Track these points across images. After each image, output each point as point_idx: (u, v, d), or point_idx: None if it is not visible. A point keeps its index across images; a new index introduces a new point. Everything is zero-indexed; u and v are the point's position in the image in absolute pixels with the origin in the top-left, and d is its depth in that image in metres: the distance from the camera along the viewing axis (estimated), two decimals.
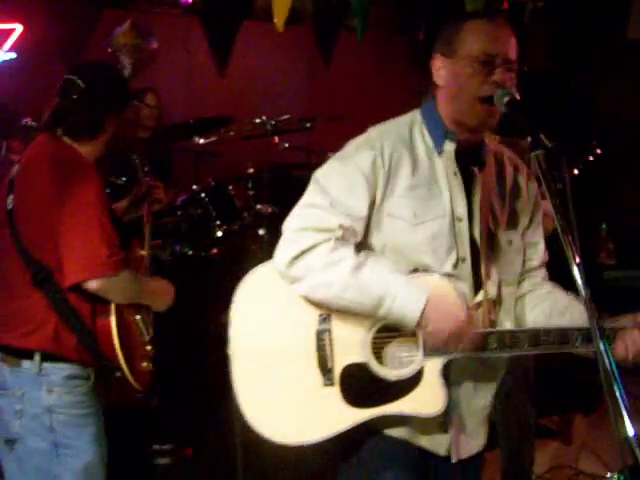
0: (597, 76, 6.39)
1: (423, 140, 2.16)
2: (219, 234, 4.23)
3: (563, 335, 2.06)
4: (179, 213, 4.21)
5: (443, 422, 2.14)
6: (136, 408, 3.25)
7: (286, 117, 4.58)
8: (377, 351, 2.10)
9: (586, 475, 4.05)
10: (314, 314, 2.12)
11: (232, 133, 4.60)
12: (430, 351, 2.06)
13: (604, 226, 5.85)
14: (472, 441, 2.24)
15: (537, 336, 2.06)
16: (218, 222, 4.22)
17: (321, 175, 2.14)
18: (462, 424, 2.19)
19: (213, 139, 4.57)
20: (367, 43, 5.50)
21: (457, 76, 2.07)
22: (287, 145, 4.65)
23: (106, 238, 2.46)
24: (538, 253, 2.30)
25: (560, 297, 2.24)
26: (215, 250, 4.24)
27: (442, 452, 2.18)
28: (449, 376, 2.09)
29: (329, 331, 2.11)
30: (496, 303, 2.18)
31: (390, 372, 2.08)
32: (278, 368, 2.12)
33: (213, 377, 3.03)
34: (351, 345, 2.10)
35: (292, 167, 4.80)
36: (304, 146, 4.79)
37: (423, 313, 1.98)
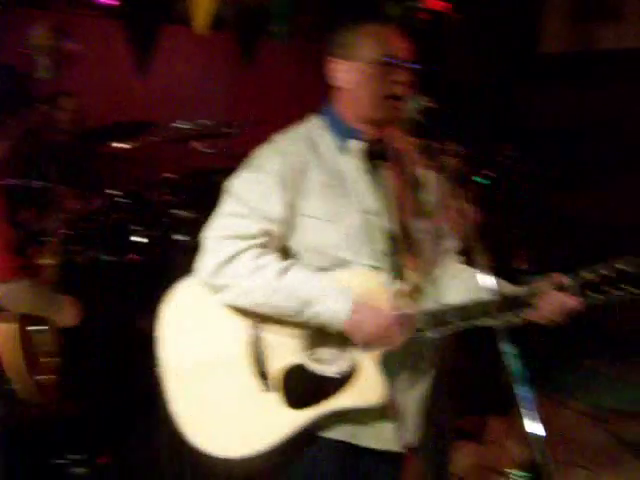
0: (512, 87, 6.60)
1: (329, 141, 2.21)
2: (137, 239, 4.19)
3: (486, 306, 2.08)
4: (97, 218, 4.15)
5: (385, 414, 2.15)
6: (49, 418, 3.18)
7: (207, 122, 4.56)
8: (312, 350, 2.12)
9: (498, 474, 4.14)
10: (244, 322, 2.12)
11: (153, 138, 4.56)
12: (366, 345, 2.08)
13: (518, 231, 5.99)
14: (411, 433, 2.27)
15: (464, 310, 2.10)
16: (136, 227, 4.18)
17: (235, 184, 2.16)
18: (403, 415, 2.21)
19: (133, 144, 4.52)
20: (290, 49, 5.53)
21: (360, 78, 2.15)
22: (208, 150, 4.63)
23: None
24: (452, 239, 2.36)
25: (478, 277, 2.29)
26: (133, 255, 4.18)
27: (389, 446, 2.19)
28: (386, 366, 2.10)
29: (262, 337, 2.11)
30: (420, 291, 2.22)
31: (327, 368, 2.09)
32: (215, 382, 2.11)
33: (135, 382, 2.99)
34: (285, 348, 2.10)
35: (213, 172, 4.78)
36: (225, 151, 4.78)
37: (350, 319, 2.02)
